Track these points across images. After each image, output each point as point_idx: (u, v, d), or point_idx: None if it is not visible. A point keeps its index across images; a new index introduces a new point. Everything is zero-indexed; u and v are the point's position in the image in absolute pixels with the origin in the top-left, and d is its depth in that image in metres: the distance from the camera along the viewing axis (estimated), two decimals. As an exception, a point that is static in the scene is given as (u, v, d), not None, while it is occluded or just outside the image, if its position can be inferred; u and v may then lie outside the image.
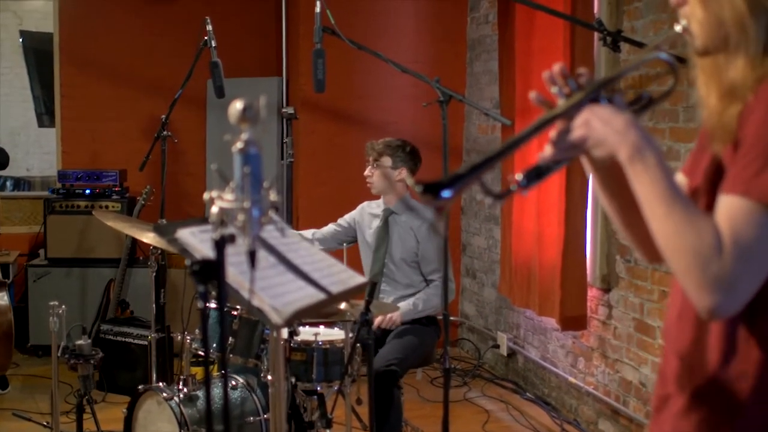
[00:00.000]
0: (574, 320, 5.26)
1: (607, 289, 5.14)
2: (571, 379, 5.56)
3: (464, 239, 7.25)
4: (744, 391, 1.65)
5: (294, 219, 6.64)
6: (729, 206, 1.55)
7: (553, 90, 1.78)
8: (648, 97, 1.86)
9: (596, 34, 4.50)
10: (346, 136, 6.90)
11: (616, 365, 5.07)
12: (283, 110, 4.25)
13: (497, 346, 6.58)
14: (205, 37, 4.67)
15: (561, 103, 1.76)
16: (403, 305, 4.66)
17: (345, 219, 5.08)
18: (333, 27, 3.85)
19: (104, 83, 7.19)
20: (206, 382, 1.63)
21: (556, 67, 1.78)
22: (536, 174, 1.79)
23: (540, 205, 5.45)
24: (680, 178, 1.88)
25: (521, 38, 5.74)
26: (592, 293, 5.27)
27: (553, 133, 1.77)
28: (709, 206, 1.63)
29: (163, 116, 4.99)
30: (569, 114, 1.75)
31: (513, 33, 5.87)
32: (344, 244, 5.11)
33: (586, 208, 5.17)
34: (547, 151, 1.77)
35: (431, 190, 1.62)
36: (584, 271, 5.18)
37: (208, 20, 4.69)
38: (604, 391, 5.20)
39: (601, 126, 1.69)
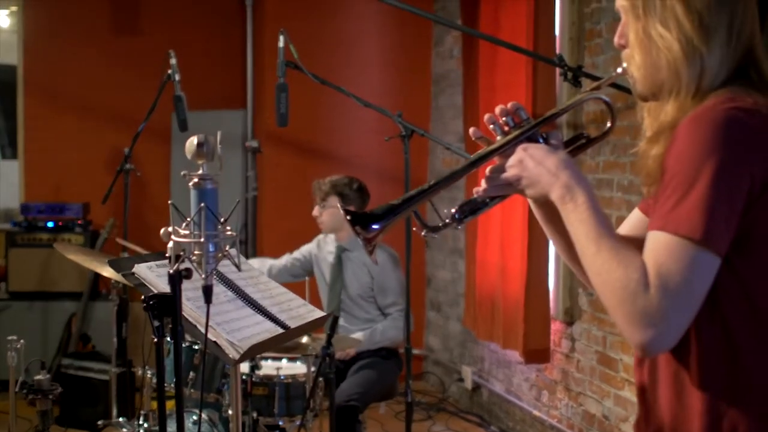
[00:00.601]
0: (537, 353, 5.27)
1: (570, 323, 5.16)
2: (536, 413, 5.57)
3: (429, 272, 7.26)
4: (697, 429, 1.66)
5: (258, 252, 6.63)
6: (651, 242, 1.58)
7: (490, 126, 1.81)
8: (586, 137, 1.90)
9: (558, 70, 4.56)
10: (311, 169, 6.89)
11: (580, 398, 5.08)
12: (248, 143, 4.26)
13: (462, 380, 6.58)
14: (169, 71, 4.66)
15: (498, 139, 1.80)
16: (359, 335, 4.65)
17: (301, 252, 5.07)
18: (296, 61, 3.87)
19: (68, 115, 7.16)
20: (160, 418, 1.62)
21: (497, 108, 1.81)
22: (471, 208, 1.83)
23: (503, 239, 5.47)
24: (635, 216, 1.91)
25: (485, 73, 5.79)
26: (556, 326, 5.29)
27: (488, 169, 1.80)
28: None
29: (126, 149, 4.97)
30: (504, 151, 1.78)
31: (477, 68, 5.92)
32: (300, 278, 5.08)
33: (549, 241, 5.18)
34: (482, 186, 1.80)
35: (360, 221, 1.63)
36: (547, 304, 5.20)
37: (172, 53, 4.68)
38: (568, 424, 5.21)
39: (534, 166, 1.73)
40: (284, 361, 4.29)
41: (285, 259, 5.06)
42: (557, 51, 5.02)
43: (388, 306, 4.78)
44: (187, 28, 7.25)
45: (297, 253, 5.07)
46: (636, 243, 1.69)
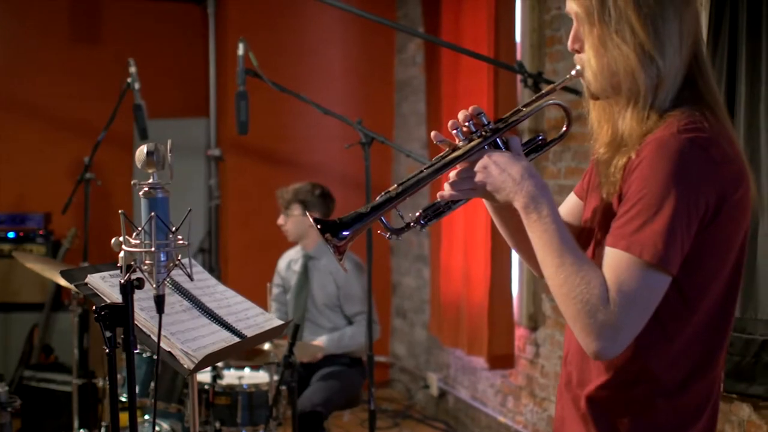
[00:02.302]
0: (501, 359, 5.29)
1: (534, 328, 5.18)
2: (501, 419, 5.57)
3: (394, 279, 7.26)
4: (631, 419, 1.76)
5: (222, 261, 6.59)
6: (613, 259, 1.66)
7: (454, 131, 1.83)
8: (542, 139, 1.94)
9: (519, 76, 4.59)
10: (274, 177, 6.87)
11: (544, 403, 5.09)
12: (210, 152, 4.24)
13: (428, 386, 6.58)
14: (129, 79, 4.64)
15: (460, 144, 1.81)
16: (326, 338, 4.64)
17: (275, 282, 5.00)
18: (256, 69, 3.86)
19: (29, 125, 7.09)
20: (113, 430, 1.61)
21: (460, 114, 1.83)
22: (434, 212, 1.86)
23: (467, 245, 5.48)
24: (572, 200, 1.96)
25: (447, 80, 5.81)
26: (520, 332, 5.30)
27: (452, 174, 1.82)
28: (602, 242, 1.73)
29: (86, 158, 4.93)
30: (467, 157, 1.80)
31: (439, 74, 5.94)
32: None
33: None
34: (446, 191, 1.83)
35: (329, 229, 1.65)
36: (511, 310, 5.22)
37: (132, 62, 4.66)
38: (533, 430, 5.22)
39: (499, 173, 1.77)
40: (247, 370, 4.26)
41: (274, 305, 4.95)
42: (518, 58, 5.06)
43: (355, 314, 4.77)
44: (148, 36, 7.21)
45: (275, 287, 4.96)
46: (572, 230, 1.79)
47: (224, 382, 3.98)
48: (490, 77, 5.14)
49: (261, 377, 4.18)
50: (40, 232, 6.62)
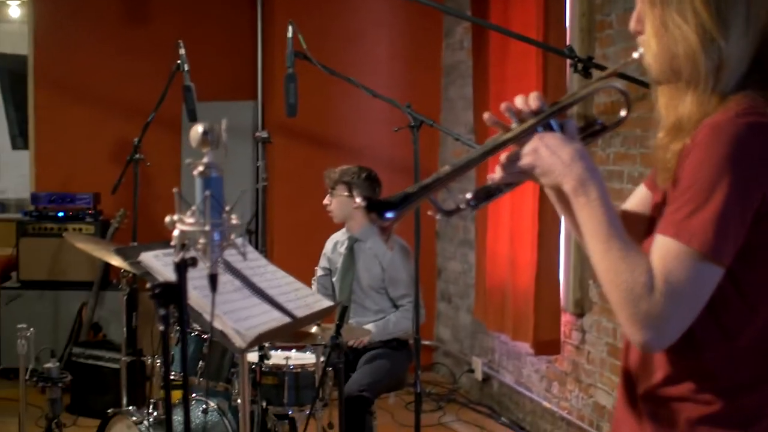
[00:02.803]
0: (547, 345, 5.26)
1: (580, 314, 5.15)
2: (546, 404, 5.56)
3: (440, 264, 7.26)
4: (686, 414, 1.69)
5: (269, 243, 6.63)
6: (662, 247, 1.60)
7: (507, 114, 1.80)
8: (601, 124, 1.88)
9: (568, 61, 4.55)
10: (321, 160, 6.87)
11: (590, 390, 5.07)
12: (257, 134, 4.24)
13: (472, 371, 6.58)
14: (178, 61, 4.67)
15: (514, 126, 1.79)
16: (371, 326, 4.65)
17: (321, 264, 5.02)
18: (305, 51, 3.86)
19: (78, 105, 7.18)
20: (167, 409, 1.62)
21: (517, 98, 1.80)
22: (485, 194, 1.82)
23: (513, 230, 5.46)
24: (641, 192, 1.91)
25: (495, 64, 5.78)
26: (566, 318, 5.28)
27: (503, 156, 1.80)
28: None
29: (136, 139, 4.97)
30: (519, 139, 1.77)
31: (487, 59, 5.91)
32: None
33: (560, 233, 5.19)
34: (497, 173, 1.80)
35: (376, 208, 1.63)
36: (558, 296, 5.19)
37: (181, 44, 4.68)
38: (578, 416, 5.20)
39: (549, 155, 1.73)
40: (293, 351, 4.28)
41: (315, 286, 4.97)
42: (567, 42, 5.01)
43: (400, 298, 4.77)
44: (196, 19, 7.25)
45: (320, 268, 5.00)
46: (640, 219, 1.75)
47: (271, 362, 4.00)
48: (538, 62, 5.10)
49: (307, 358, 4.20)
50: (89, 212, 6.71)
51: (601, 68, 4.19)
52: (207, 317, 1.85)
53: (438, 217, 1.81)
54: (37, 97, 7.15)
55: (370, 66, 6.97)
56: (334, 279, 4.94)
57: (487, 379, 6.42)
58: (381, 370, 4.59)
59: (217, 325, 1.87)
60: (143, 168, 5.03)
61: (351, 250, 4.86)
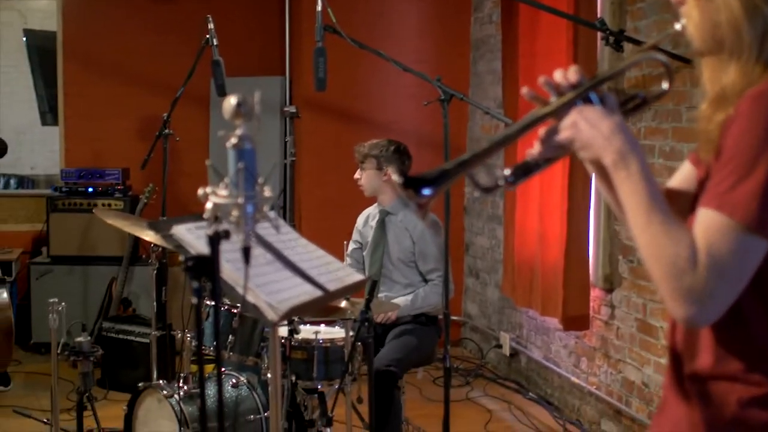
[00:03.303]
0: (576, 320, 5.24)
1: (609, 290, 5.12)
2: (574, 379, 5.55)
3: (467, 239, 7.24)
4: (736, 395, 1.64)
5: (296, 218, 6.64)
6: (704, 220, 1.56)
7: (546, 88, 1.77)
8: (642, 98, 1.84)
9: (599, 34, 4.50)
10: (349, 135, 6.87)
11: (619, 365, 5.05)
12: (285, 109, 4.24)
13: (500, 346, 6.57)
14: (207, 36, 4.66)
15: (552, 100, 1.75)
16: (401, 300, 4.65)
17: (354, 238, 5.03)
18: (334, 25, 3.84)
19: (107, 81, 7.20)
20: (200, 381, 1.62)
21: (556, 72, 1.76)
22: (524, 170, 1.78)
23: (542, 205, 5.43)
24: (686, 168, 1.87)
25: (525, 38, 5.73)
26: (595, 293, 5.25)
27: (542, 130, 1.76)
28: None
29: (165, 114, 4.98)
30: (558, 113, 1.74)
31: (516, 33, 5.86)
32: None
33: (589, 208, 5.15)
34: (535, 148, 1.77)
35: (413, 184, 1.60)
36: (587, 271, 5.16)
37: (210, 18, 4.68)
38: (607, 391, 5.19)
39: (588, 129, 1.69)
40: (323, 325, 4.29)
41: (348, 260, 4.99)
42: (598, 15, 4.96)
43: (430, 272, 4.76)
44: (225, -6, 7.24)
45: (352, 243, 5.01)
46: (685, 197, 1.70)
47: (300, 336, 4.01)
48: (569, 35, 5.05)
49: (336, 332, 4.21)
50: (119, 188, 6.74)
51: (633, 41, 4.16)
52: (239, 290, 1.84)
53: (476, 194, 1.78)
54: (66, 73, 7.17)
55: (399, 40, 6.94)
56: (364, 253, 4.95)
57: (514, 354, 6.41)
58: (409, 345, 4.59)
59: (249, 298, 1.87)
60: (171, 143, 5.04)
61: (382, 224, 4.86)
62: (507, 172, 1.76)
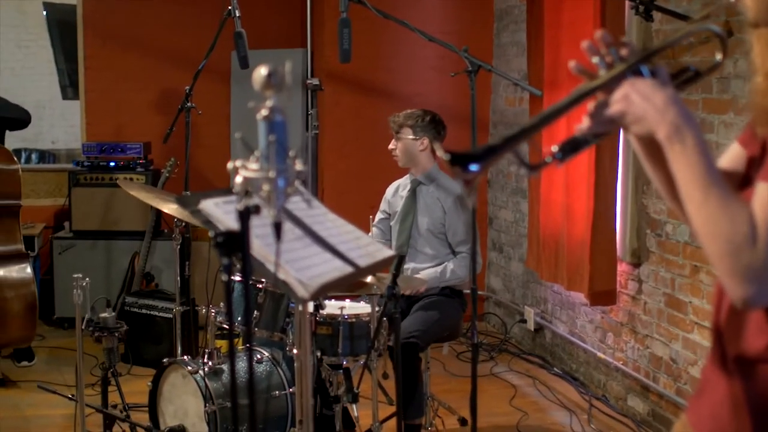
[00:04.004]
0: (603, 295, 5.18)
1: (637, 264, 5.05)
2: (600, 355, 5.49)
3: (491, 212, 7.17)
4: None
5: (319, 192, 6.59)
6: (763, 195, 1.50)
7: (594, 59, 1.70)
8: (694, 70, 1.77)
9: (628, 4, 4.41)
10: (371, 107, 6.82)
11: (646, 341, 4.99)
12: (308, 81, 4.18)
13: (524, 321, 6.52)
14: (229, 7, 4.60)
15: (601, 73, 1.69)
16: (429, 272, 4.61)
17: (381, 208, 5.00)
18: (359, -4, 3.78)
19: (128, 55, 7.15)
20: (230, 357, 1.58)
21: (599, 34, 1.70)
22: (572, 146, 1.72)
23: (569, 178, 5.36)
24: (735, 149, 1.81)
25: (550, 8, 5.63)
26: (622, 268, 5.18)
27: (591, 105, 1.70)
28: None
29: (187, 87, 4.93)
30: (609, 86, 1.67)
31: (542, 3, 5.75)
32: None
33: (616, 181, 5.08)
34: (584, 123, 1.70)
35: (460, 161, 1.55)
36: (614, 245, 5.10)
37: (232, -11, 4.62)
38: (634, 367, 5.13)
39: (641, 102, 1.62)
40: (347, 300, 4.25)
41: (375, 230, 4.96)
42: (627, -16, 4.86)
43: (459, 244, 4.71)
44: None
45: (380, 213, 4.98)
46: (734, 178, 1.64)
47: (325, 312, 3.97)
48: (596, 5, 4.95)
49: (361, 308, 4.17)
50: (140, 162, 6.71)
51: (663, 11, 4.07)
52: (269, 267, 1.79)
53: (523, 172, 1.71)
54: (86, 46, 7.13)
55: (421, 11, 6.85)
56: (392, 222, 4.91)
57: (539, 329, 6.36)
58: (432, 317, 4.55)
59: (279, 275, 1.82)
60: (193, 117, 4.99)
61: (413, 193, 4.82)
62: (555, 148, 1.70)
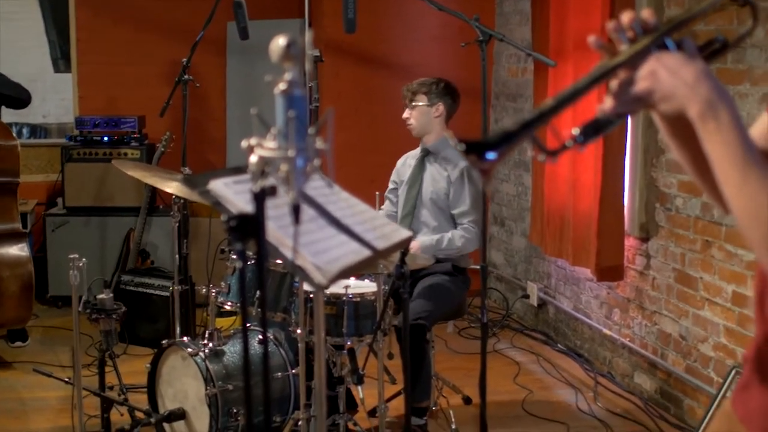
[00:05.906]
0: (610, 271, 5.08)
1: (645, 239, 4.94)
2: (606, 331, 5.39)
3: (493, 186, 7.06)
4: None
5: (318, 166, 6.47)
6: None
7: (615, 35, 1.56)
8: (722, 41, 1.63)
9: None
10: (371, 79, 6.68)
11: (654, 317, 4.89)
12: (308, 53, 4.04)
13: (527, 296, 6.42)
14: (228, -24, 4.47)
15: (624, 49, 1.55)
16: (424, 239, 4.51)
17: (392, 178, 4.90)
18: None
19: (121, 26, 7.00)
20: (244, 340, 1.47)
21: (625, 16, 1.56)
22: (594, 129, 1.58)
23: (575, 152, 5.22)
24: (764, 121, 1.68)
25: (556, -24, 5.49)
26: (629, 242, 5.08)
27: (614, 83, 1.56)
28: None
29: (184, 59, 4.80)
30: (633, 62, 1.53)
31: (546, -30, 5.62)
32: None
33: (625, 153, 4.96)
34: (607, 103, 1.55)
35: (476, 149, 1.42)
36: (622, 219, 4.99)
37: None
38: (641, 344, 5.03)
39: (669, 77, 1.48)
40: (352, 279, 4.12)
41: (387, 204, 4.86)
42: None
43: (461, 215, 4.61)
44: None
45: (390, 187, 4.90)
46: (765, 153, 1.51)
47: (329, 291, 3.85)
48: (604, -28, 4.82)
49: (366, 287, 4.04)
50: (135, 136, 6.57)
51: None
52: (284, 251, 1.67)
53: (542, 159, 1.57)
54: (78, 18, 6.97)
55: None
56: (400, 191, 4.82)
57: (542, 304, 6.26)
58: (438, 297, 4.47)
59: (296, 260, 1.70)
60: (190, 90, 4.86)
61: (422, 161, 4.72)
62: (576, 131, 1.56)
